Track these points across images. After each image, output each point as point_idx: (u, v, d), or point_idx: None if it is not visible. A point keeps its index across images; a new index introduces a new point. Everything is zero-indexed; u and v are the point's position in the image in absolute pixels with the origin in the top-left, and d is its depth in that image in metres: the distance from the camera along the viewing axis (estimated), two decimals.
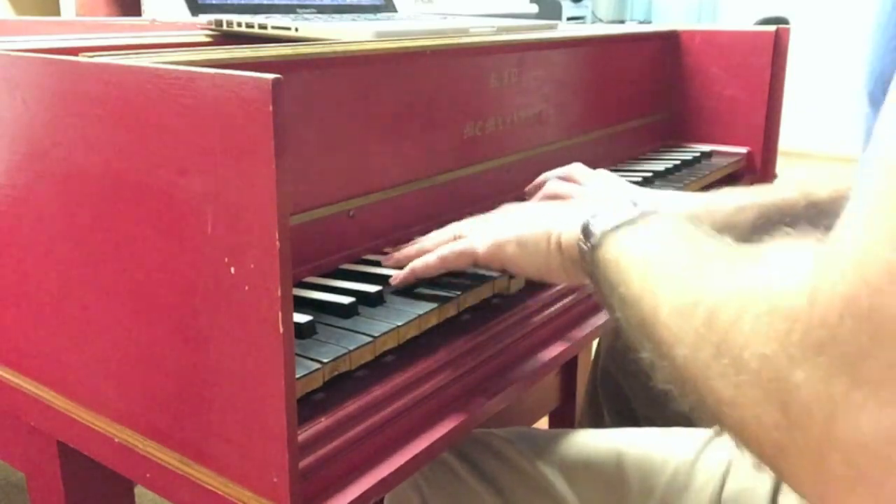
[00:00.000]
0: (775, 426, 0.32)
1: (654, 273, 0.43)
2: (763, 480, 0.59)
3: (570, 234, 0.54)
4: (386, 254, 0.68)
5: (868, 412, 0.29)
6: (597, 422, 1.00)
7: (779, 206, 0.73)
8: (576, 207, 0.56)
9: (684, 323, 0.38)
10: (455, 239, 0.62)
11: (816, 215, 0.72)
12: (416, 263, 0.61)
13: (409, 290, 0.60)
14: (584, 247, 0.51)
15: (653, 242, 0.46)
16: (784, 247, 0.39)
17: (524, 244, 0.57)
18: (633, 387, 0.92)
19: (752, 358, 0.33)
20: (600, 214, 0.51)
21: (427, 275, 0.61)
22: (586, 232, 0.51)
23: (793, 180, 0.75)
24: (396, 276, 0.60)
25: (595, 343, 1.06)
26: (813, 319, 0.31)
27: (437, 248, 0.62)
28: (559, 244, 0.55)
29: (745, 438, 0.35)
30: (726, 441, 0.59)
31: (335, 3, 0.98)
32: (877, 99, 0.51)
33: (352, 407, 0.47)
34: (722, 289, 0.37)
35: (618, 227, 0.49)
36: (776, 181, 0.76)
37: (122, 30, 0.92)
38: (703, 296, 0.38)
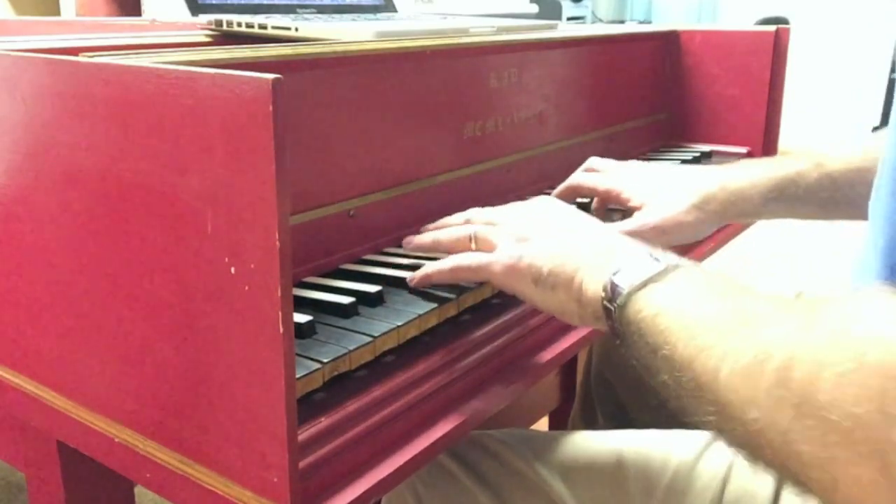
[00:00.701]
0: (874, 487, 0.31)
1: (703, 332, 0.41)
2: (764, 483, 0.58)
3: (592, 288, 0.51)
4: (386, 254, 0.68)
5: None
6: (590, 424, 1.00)
7: (792, 178, 0.73)
8: (599, 252, 0.53)
9: (752, 384, 0.36)
10: (471, 239, 0.60)
11: (830, 187, 0.72)
12: (430, 269, 0.59)
13: (409, 289, 0.60)
14: (610, 306, 0.48)
15: (692, 298, 0.44)
16: (853, 297, 0.37)
17: (543, 283, 0.54)
18: (627, 390, 0.92)
19: (843, 419, 0.31)
20: (623, 270, 0.49)
21: (441, 282, 0.60)
22: (612, 290, 0.49)
23: (806, 151, 0.75)
24: (413, 276, 0.60)
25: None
26: None
27: (450, 243, 0.61)
28: (580, 296, 0.52)
29: (838, 501, 0.33)
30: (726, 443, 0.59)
31: (335, 3, 0.98)
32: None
33: (352, 407, 0.47)
34: (793, 342, 0.35)
35: (645, 284, 0.47)
36: (790, 153, 0.76)
37: (122, 30, 0.92)
38: (770, 352, 0.36)
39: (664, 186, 0.74)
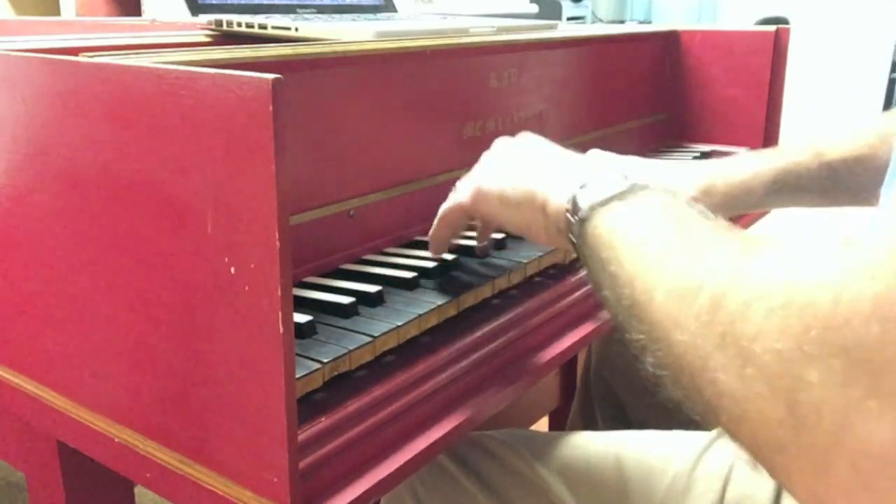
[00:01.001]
0: (779, 423, 0.31)
1: (649, 252, 0.41)
2: (765, 486, 0.58)
3: (557, 201, 0.52)
4: (386, 254, 0.68)
5: (885, 423, 0.28)
6: (589, 424, 1.00)
7: (793, 169, 0.73)
8: (567, 169, 0.54)
9: (684, 307, 0.37)
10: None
11: (830, 176, 0.72)
12: (430, 234, 0.63)
13: (409, 288, 0.60)
14: (572, 219, 0.49)
15: (647, 220, 0.44)
16: (803, 241, 0.36)
17: (507, 200, 0.56)
18: (626, 390, 0.92)
19: (763, 352, 0.31)
20: (589, 185, 0.49)
21: (441, 240, 0.63)
22: (574, 203, 0.49)
23: (806, 141, 0.75)
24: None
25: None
26: (835, 319, 0.29)
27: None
28: (544, 208, 0.53)
29: (743, 433, 0.33)
30: (727, 445, 0.59)
31: (335, 3, 0.98)
32: None
33: (352, 407, 0.47)
34: (729, 275, 0.35)
35: (608, 200, 0.47)
36: (790, 142, 0.76)
37: (122, 30, 0.92)
38: (706, 280, 0.36)
39: (665, 180, 0.74)
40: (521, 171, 0.56)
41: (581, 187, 0.49)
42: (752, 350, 0.32)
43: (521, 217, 0.55)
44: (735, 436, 0.34)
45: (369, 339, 0.51)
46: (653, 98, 1.14)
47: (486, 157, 0.62)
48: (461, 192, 0.60)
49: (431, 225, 0.65)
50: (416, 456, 0.48)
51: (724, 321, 0.34)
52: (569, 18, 3.36)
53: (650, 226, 0.43)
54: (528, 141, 0.61)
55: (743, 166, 0.74)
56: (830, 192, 0.73)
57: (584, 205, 0.48)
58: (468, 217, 0.61)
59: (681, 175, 0.74)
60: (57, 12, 2.00)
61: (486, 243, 0.67)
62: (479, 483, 0.64)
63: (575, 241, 0.49)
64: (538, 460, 0.64)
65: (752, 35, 1.09)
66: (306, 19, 0.79)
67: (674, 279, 0.38)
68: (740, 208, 0.75)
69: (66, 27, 1.16)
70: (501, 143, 0.62)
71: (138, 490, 0.63)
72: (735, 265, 0.36)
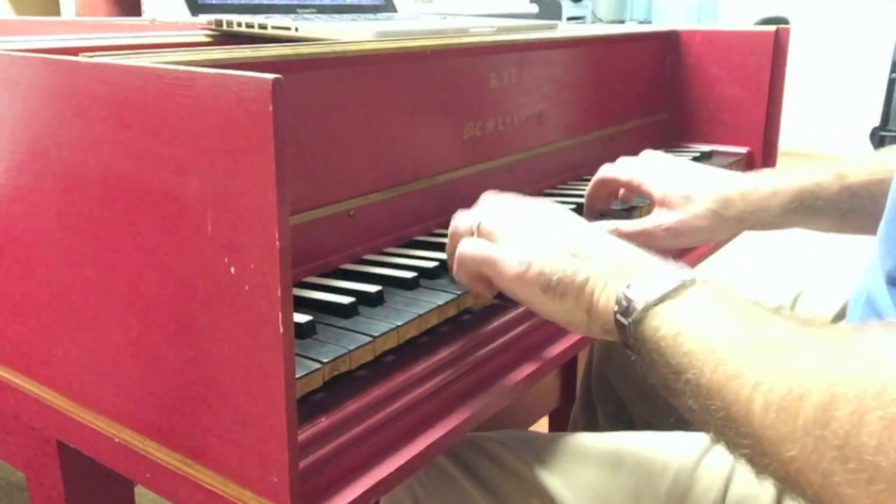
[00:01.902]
0: None
1: (730, 359, 0.39)
2: (766, 487, 0.58)
3: (604, 299, 0.49)
4: (386, 254, 0.68)
5: None
6: (590, 424, 1.00)
7: (812, 190, 0.72)
8: (609, 259, 0.51)
9: (789, 421, 0.35)
10: (473, 232, 0.57)
11: (849, 199, 0.72)
12: (453, 270, 0.58)
13: (409, 288, 0.60)
14: (623, 320, 0.47)
15: (713, 319, 0.42)
16: (883, 328, 0.35)
17: (552, 292, 0.52)
18: (628, 389, 0.92)
19: (890, 466, 0.30)
20: (637, 284, 0.47)
21: (457, 274, 0.58)
22: (624, 304, 0.47)
23: (827, 163, 0.75)
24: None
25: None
26: None
27: (455, 235, 0.59)
28: (590, 307, 0.50)
29: None
30: None
31: (335, 3, 0.98)
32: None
33: (352, 407, 0.47)
34: (828, 382, 0.34)
35: (662, 299, 0.45)
36: (810, 164, 0.75)
37: (122, 30, 0.92)
38: (805, 390, 0.34)
39: (686, 185, 0.73)
40: (566, 257, 0.52)
41: (629, 286, 0.47)
42: (877, 464, 0.31)
43: (563, 310, 0.52)
44: None
45: (369, 339, 0.51)
46: (653, 98, 1.14)
47: (518, 223, 0.56)
48: (501, 263, 0.54)
49: (432, 225, 0.65)
50: (416, 456, 0.48)
51: (838, 434, 0.32)
52: (569, 18, 3.36)
53: (721, 325, 0.42)
54: (561, 213, 0.58)
55: (764, 183, 0.73)
56: (848, 215, 0.72)
57: (636, 305, 0.46)
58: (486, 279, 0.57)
59: (702, 183, 0.73)
60: (57, 12, 2.00)
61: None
62: (479, 484, 0.64)
63: (631, 343, 0.47)
64: (537, 461, 0.64)
65: (752, 35, 1.09)
66: (306, 19, 0.79)
67: (769, 390, 0.37)
68: (755, 225, 0.74)
69: (66, 27, 1.16)
70: (531, 209, 0.58)
71: (138, 490, 0.63)
72: (829, 368, 0.35)
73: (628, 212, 0.83)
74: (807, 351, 0.37)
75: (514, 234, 0.55)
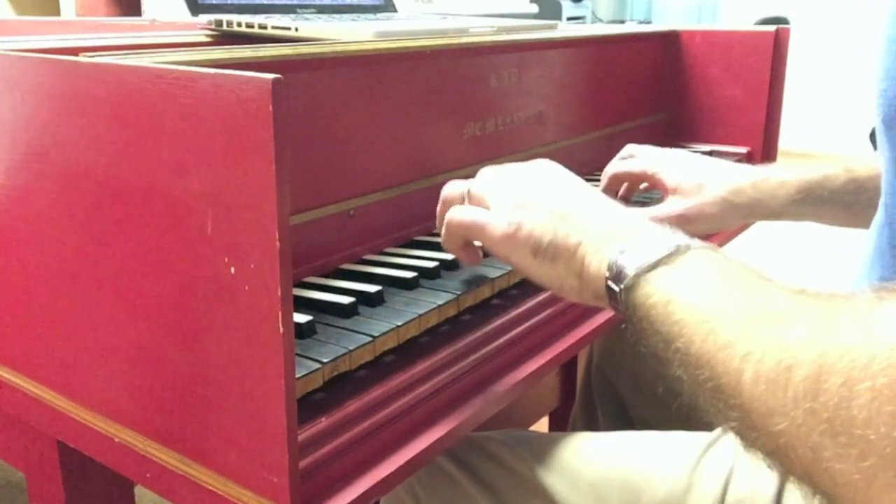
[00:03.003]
0: None
1: (720, 329, 0.38)
2: (766, 486, 0.58)
3: (596, 264, 0.48)
4: (386, 254, 0.68)
5: None
6: (591, 423, 1.00)
7: (819, 181, 0.74)
8: (603, 223, 0.50)
9: (778, 392, 0.34)
10: (464, 198, 0.57)
11: (855, 190, 0.73)
12: (441, 237, 0.58)
13: (409, 288, 0.60)
14: (615, 287, 0.46)
15: (706, 288, 0.41)
16: (873, 296, 0.34)
17: (543, 254, 0.51)
18: (628, 388, 0.92)
19: (880, 439, 0.29)
20: (630, 250, 0.46)
21: (448, 247, 0.58)
22: (615, 270, 0.46)
23: (835, 157, 0.76)
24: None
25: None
26: None
27: (446, 201, 0.58)
28: (581, 271, 0.49)
29: None
30: (728, 445, 0.59)
31: (335, 3, 0.98)
32: (890, 126, 0.50)
33: (352, 407, 0.47)
34: (818, 353, 0.33)
35: (654, 266, 0.44)
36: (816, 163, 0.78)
37: (122, 30, 0.92)
38: (795, 361, 0.33)
39: (697, 174, 0.75)
40: (558, 219, 0.51)
41: (622, 252, 0.46)
42: (866, 438, 0.30)
43: (554, 274, 0.51)
44: None
45: (369, 339, 0.51)
46: (653, 98, 1.14)
47: (511, 186, 0.55)
48: (489, 225, 0.53)
49: (431, 225, 0.65)
50: (416, 456, 0.48)
51: (828, 407, 0.31)
52: (569, 18, 3.36)
53: (713, 294, 0.41)
54: (557, 173, 0.56)
55: (773, 174, 0.75)
56: (854, 207, 0.73)
57: (628, 272, 0.45)
58: (477, 240, 0.56)
59: (713, 172, 0.76)
60: (57, 12, 2.00)
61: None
62: (479, 484, 0.64)
63: (622, 309, 0.46)
64: (537, 461, 0.64)
65: (752, 35, 1.09)
66: (306, 19, 0.79)
67: (758, 361, 0.36)
68: (764, 214, 0.76)
69: (66, 27, 1.16)
70: (526, 172, 0.56)
71: (138, 490, 0.63)
72: (819, 339, 0.34)
73: (642, 204, 0.84)
74: (799, 321, 0.36)
75: (504, 198, 0.54)
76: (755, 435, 0.36)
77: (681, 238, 0.46)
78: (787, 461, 0.35)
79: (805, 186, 0.74)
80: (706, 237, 0.55)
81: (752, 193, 0.74)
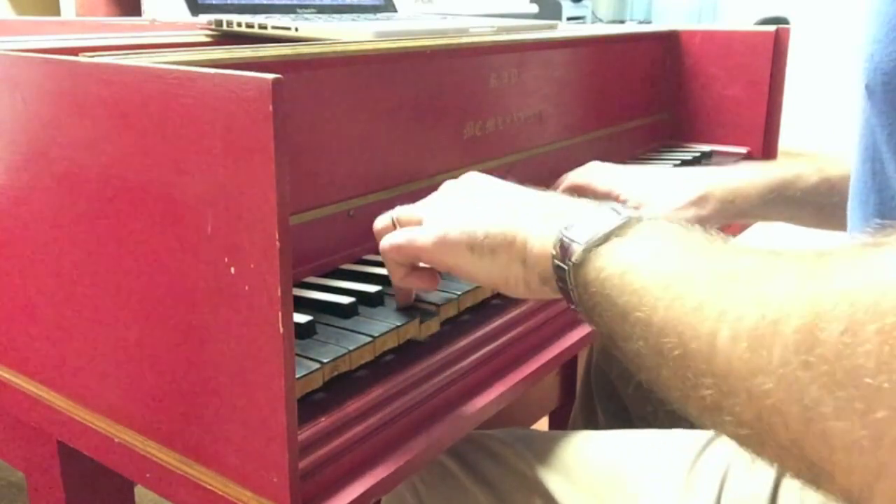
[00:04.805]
0: None
1: (688, 292, 0.35)
2: (762, 485, 0.58)
3: (539, 245, 0.45)
4: None
5: None
6: (591, 422, 1.00)
7: (791, 180, 0.73)
8: (543, 206, 0.47)
9: (763, 350, 0.30)
10: (393, 223, 0.54)
11: (828, 191, 0.72)
12: (395, 283, 0.55)
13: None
14: (562, 264, 0.42)
15: (664, 254, 0.38)
16: (864, 244, 0.31)
17: (480, 249, 0.48)
18: (627, 387, 0.92)
19: (893, 387, 0.26)
20: (576, 224, 0.43)
21: (397, 279, 0.54)
22: (562, 246, 0.43)
23: (807, 157, 0.75)
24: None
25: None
26: None
27: (377, 232, 0.55)
28: (524, 256, 0.46)
29: (878, 491, 0.27)
30: (725, 444, 0.59)
31: (335, 3, 0.98)
32: (874, 92, 0.50)
33: (352, 407, 0.47)
34: (809, 301, 0.30)
35: (606, 238, 0.41)
36: (793, 156, 0.76)
37: (122, 30, 0.92)
38: (782, 313, 0.30)
39: (661, 186, 0.74)
40: (490, 212, 0.48)
41: (567, 228, 0.43)
42: (878, 387, 0.26)
43: (496, 267, 0.48)
44: (869, 500, 0.28)
45: (369, 339, 0.51)
46: (653, 98, 1.14)
47: (438, 198, 0.53)
48: (417, 233, 0.51)
49: None
50: (416, 456, 0.48)
51: (826, 358, 0.28)
52: (569, 18, 3.36)
53: (673, 261, 0.37)
54: (484, 179, 0.54)
55: (740, 174, 0.74)
56: (827, 208, 0.72)
57: (576, 247, 0.42)
58: (419, 260, 0.53)
59: (676, 180, 0.74)
60: (57, 12, 2.00)
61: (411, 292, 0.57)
62: (480, 482, 0.64)
63: (571, 289, 0.43)
64: (538, 460, 0.64)
65: (752, 35, 1.09)
66: (306, 19, 0.79)
67: (736, 319, 0.32)
68: (735, 215, 0.74)
69: (66, 27, 1.16)
70: (454, 185, 0.54)
71: (138, 490, 0.63)
72: (808, 288, 0.30)
73: None
74: (780, 274, 0.32)
75: (431, 209, 0.52)
76: (734, 401, 0.32)
77: (631, 211, 0.43)
78: (770, 430, 0.31)
79: (777, 185, 0.72)
80: None
81: (721, 194, 0.71)
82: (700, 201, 0.73)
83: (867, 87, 0.49)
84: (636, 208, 0.72)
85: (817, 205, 0.73)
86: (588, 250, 0.41)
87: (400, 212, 0.54)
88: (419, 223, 0.52)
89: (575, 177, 0.80)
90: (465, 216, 0.49)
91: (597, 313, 0.41)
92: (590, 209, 0.44)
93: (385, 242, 0.53)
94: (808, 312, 0.29)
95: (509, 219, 0.47)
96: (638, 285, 0.38)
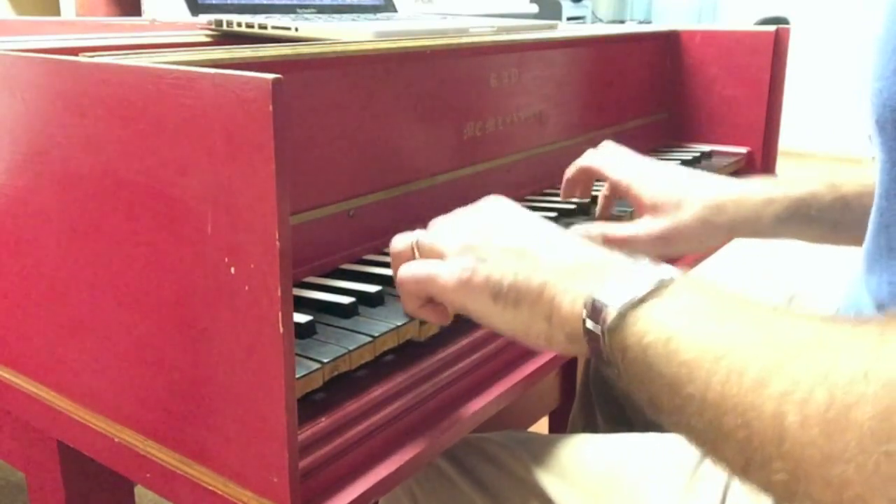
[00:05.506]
0: None
1: (746, 366, 0.33)
2: None
3: (567, 304, 0.43)
4: (386, 254, 0.68)
5: None
6: (590, 424, 1.00)
7: (806, 200, 0.70)
8: (570, 257, 0.45)
9: (836, 436, 0.29)
10: (413, 250, 0.52)
11: (842, 209, 0.71)
12: (406, 309, 0.53)
13: None
14: (595, 328, 0.41)
15: (712, 321, 0.36)
16: None
17: (504, 299, 0.45)
18: None
19: None
20: (607, 284, 0.41)
21: (410, 309, 0.52)
22: (594, 308, 0.41)
23: (821, 173, 0.74)
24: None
25: None
26: None
27: (394, 256, 0.53)
28: (549, 313, 0.44)
29: None
30: None
31: (335, 3, 0.98)
32: (884, 128, 0.49)
33: (352, 407, 0.47)
34: (880, 383, 0.29)
35: (642, 300, 0.39)
36: (804, 174, 0.73)
37: (122, 30, 0.92)
38: (852, 396, 0.29)
39: (676, 192, 0.71)
40: (516, 258, 0.46)
41: (598, 288, 0.41)
42: None
43: (518, 321, 0.45)
44: None
45: (369, 339, 0.51)
46: (653, 98, 1.14)
47: (463, 230, 0.50)
48: (441, 273, 0.48)
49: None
50: (416, 456, 0.48)
51: None
52: (569, 18, 3.36)
53: (723, 329, 0.36)
54: (510, 212, 0.51)
55: (757, 190, 0.71)
56: (841, 225, 0.70)
57: (611, 310, 0.40)
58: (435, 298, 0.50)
59: (692, 190, 0.71)
60: (57, 12, 2.00)
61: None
62: (477, 486, 0.64)
63: (605, 353, 0.40)
64: (536, 463, 0.64)
65: (752, 35, 1.09)
66: (306, 19, 0.79)
67: (803, 401, 0.31)
68: (747, 233, 0.72)
69: (66, 27, 1.16)
70: (478, 214, 0.51)
71: (138, 490, 0.63)
72: (878, 370, 0.29)
73: (616, 218, 0.80)
74: (838, 349, 0.31)
75: (454, 243, 0.49)
76: (810, 487, 0.31)
77: (664, 269, 0.41)
78: None
79: (792, 205, 0.70)
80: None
81: (735, 213, 0.69)
82: (712, 216, 0.70)
83: (877, 122, 0.49)
84: (651, 207, 0.70)
85: (831, 223, 0.71)
86: (624, 314, 0.39)
87: (422, 239, 0.52)
88: (441, 255, 0.50)
89: (589, 160, 0.76)
90: (490, 260, 0.47)
91: (639, 382, 0.39)
92: (621, 266, 0.43)
93: (405, 273, 0.51)
94: (884, 397, 0.29)
95: (536, 269, 0.45)
96: (686, 356, 0.36)
